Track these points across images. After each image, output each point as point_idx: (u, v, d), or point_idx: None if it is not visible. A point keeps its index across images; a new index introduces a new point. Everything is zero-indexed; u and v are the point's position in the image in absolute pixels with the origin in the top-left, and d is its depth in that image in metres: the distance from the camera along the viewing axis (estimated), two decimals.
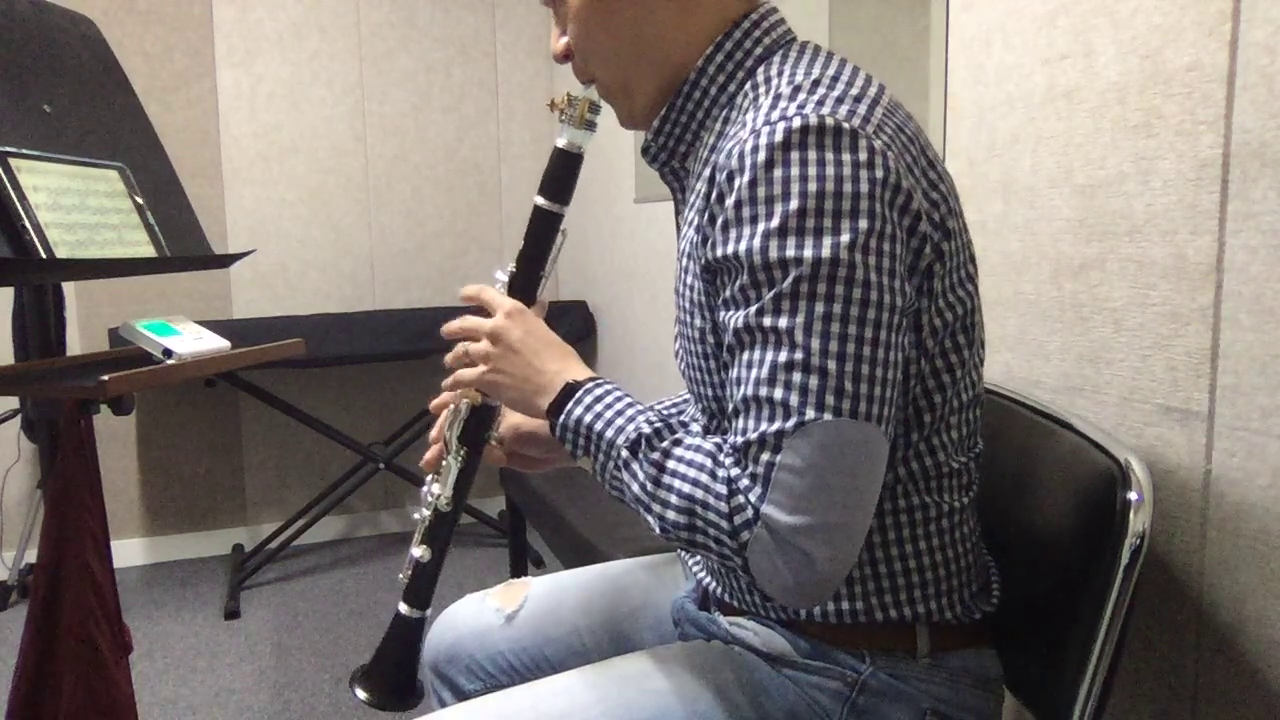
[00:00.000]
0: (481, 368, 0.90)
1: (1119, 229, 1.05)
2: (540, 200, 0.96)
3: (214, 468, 3.26)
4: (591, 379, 0.85)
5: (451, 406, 1.00)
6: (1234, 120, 0.91)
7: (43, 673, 1.27)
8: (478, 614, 1.11)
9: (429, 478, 1.02)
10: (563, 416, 0.83)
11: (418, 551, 1.01)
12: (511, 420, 1.08)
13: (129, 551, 3.17)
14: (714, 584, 0.94)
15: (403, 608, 1.02)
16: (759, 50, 0.84)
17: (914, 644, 0.84)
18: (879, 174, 0.71)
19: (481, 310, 0.93)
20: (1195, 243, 0.95)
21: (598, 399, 0.82)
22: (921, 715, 0.83)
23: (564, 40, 0.90)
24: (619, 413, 0.81)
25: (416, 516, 1.02)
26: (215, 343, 1.45)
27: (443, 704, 1.10)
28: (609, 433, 0.80)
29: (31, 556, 2.91)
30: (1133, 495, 0.81)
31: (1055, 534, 0.90)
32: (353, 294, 3.35)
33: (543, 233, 0.96)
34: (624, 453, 0.78)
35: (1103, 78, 1.06)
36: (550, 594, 1.11)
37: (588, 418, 0.81)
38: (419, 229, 3.40)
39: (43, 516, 1.32)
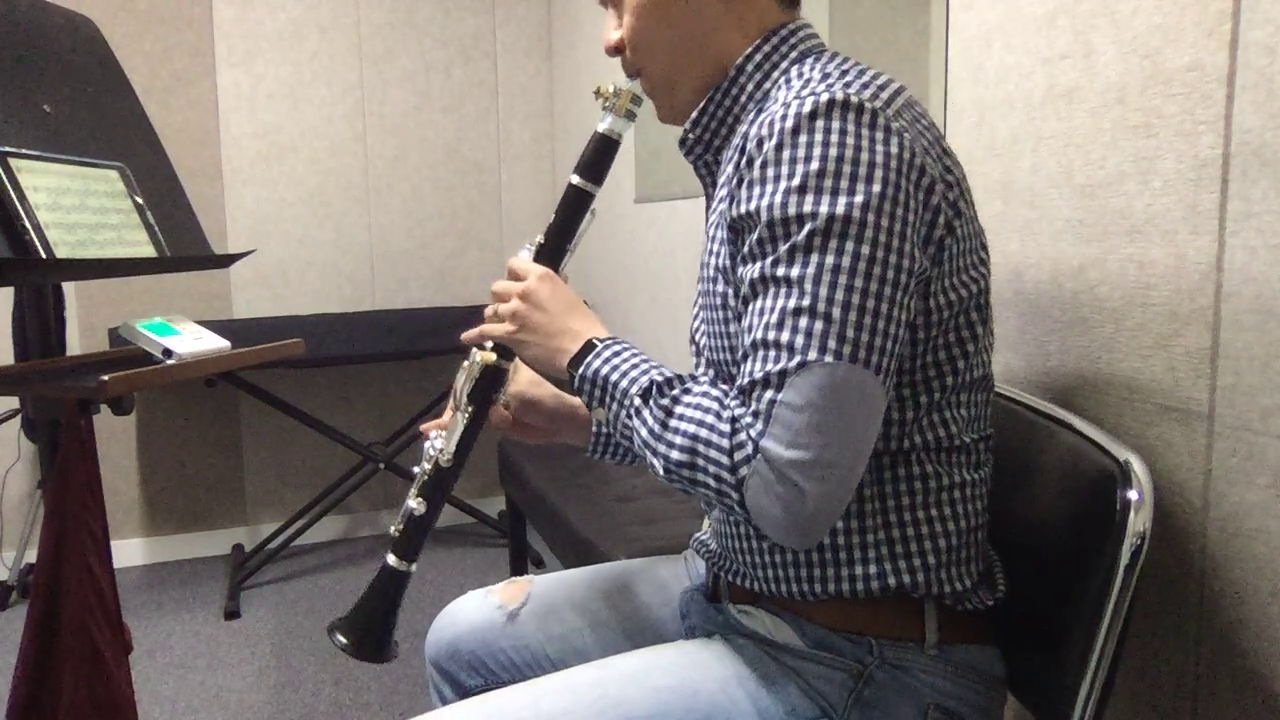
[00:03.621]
0: (509, 325, 0.94)
1: (1119, 229, 1.05)
2: (575, 179, 1.01)
3: (214, 468, 3.26)
4: (611, 338, 0.89)
5: (466, 365, 1.04)
6: (1234, 120, 0.91)
7: (43, 673, 1.27)
8: (480, 610, 1.11)
9: (434, 434, 1.05)
10: (582, 369, 0.88)
11: (414, 504, 1.02)
12: (516, 387, 1.11)
13: (129, 551, 3.17)
14: (725, 560, 0.95)
15: (391, 559, 1.03)
16: (793, 54, 0.91)
17: (921, 631, 0.85)
18: (894, 149, 0.76)
19: (515, 279, 0.98)
20: (1195, 243, 0.95)
21: (615, 354, 0.87)
22: (925, 710, 0.83)
23: (617, 34, 0.95)
24: (634, 365, 0.85)
25: (416, 470, 1.04)
26: (215, 343, 1.44)
27: (443, 700, 1.10)
28: (623, 383, 0.84)
29: (31, 556, 2.91)
30: (1133, 495, 0.81)
31: (1055, 534, 0.90)
32: (352, 294, 3.35)
33: (574, 209, 1.02)
34: (636, 400, 0.82)
35: (1103, 78, 1.06)
36: (552, 592, 1.11)
37: (604, 369, 0.86)
38: (419, 229, 3.40)
39: (43, 516, 1.32)
